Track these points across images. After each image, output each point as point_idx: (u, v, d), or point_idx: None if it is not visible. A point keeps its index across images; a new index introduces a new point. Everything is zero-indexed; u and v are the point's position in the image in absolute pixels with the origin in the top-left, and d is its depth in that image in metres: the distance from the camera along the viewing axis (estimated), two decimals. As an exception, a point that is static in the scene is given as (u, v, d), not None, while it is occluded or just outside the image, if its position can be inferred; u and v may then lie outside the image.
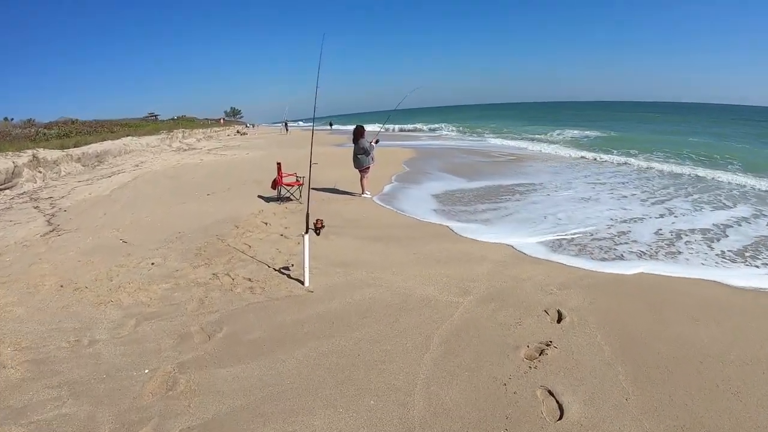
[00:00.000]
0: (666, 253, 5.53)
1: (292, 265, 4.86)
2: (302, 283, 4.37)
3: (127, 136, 26.21)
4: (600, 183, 10.71)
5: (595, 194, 9.20)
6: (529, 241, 5.85)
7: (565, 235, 6.19)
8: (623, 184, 10.53)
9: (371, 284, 4.37)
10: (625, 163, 14.02)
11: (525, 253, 5.40)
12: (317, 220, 4.32)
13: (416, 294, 4.14)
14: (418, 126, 41.88)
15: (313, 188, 10.53)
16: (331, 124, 53.50)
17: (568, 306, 3.89)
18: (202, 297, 4.20)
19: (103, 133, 26.67)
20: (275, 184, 8.25)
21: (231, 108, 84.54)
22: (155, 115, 51.18)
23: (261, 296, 4.16)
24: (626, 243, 5.88)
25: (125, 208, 8.51)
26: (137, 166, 16.79)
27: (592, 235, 6.24)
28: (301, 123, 68.58)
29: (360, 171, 8.84)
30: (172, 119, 50.89)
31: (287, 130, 41.77)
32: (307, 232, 4.21)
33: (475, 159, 16.18)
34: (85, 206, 8.97)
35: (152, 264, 5.27)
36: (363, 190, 8.91)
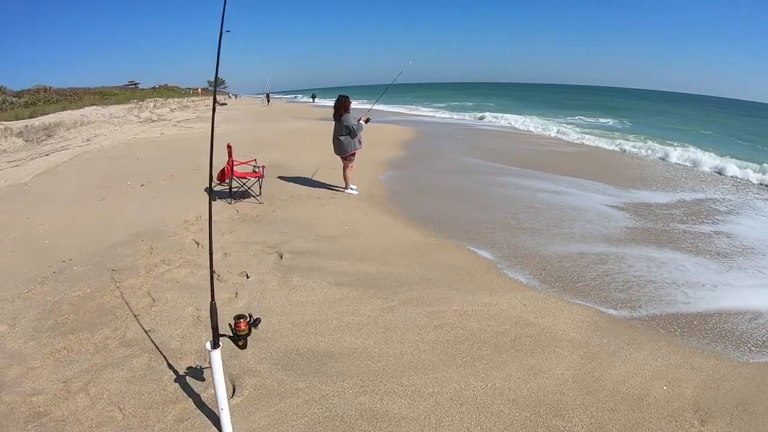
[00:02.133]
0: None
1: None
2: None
3: (92, 105, 22.53)
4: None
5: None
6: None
7: None
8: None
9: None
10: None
11: (606, 313, 3.03)
12: (239, 321, 1.75)
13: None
14: (400, 110, 29.16)
15: (279, 177, 7.28)
16: (313, 97, 48.72)
17: None
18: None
19: (65, 101, 22.86)
20: (223, 176, 5.53)
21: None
22: (136, 84, 46.60)
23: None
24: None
25: (27, 208, 5.77)
26: (88, 140, 13.54)
27: None
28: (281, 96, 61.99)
29: (342, 158, 6.17)
30: (153, 88, 46.15)
31: (269, 101, 37.84)
32: (216, 347, 1.70)
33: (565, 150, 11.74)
34: (-16, 202, 6.21)
35: (-19, 340, 2.78)
36: (347, 185, 6.28)
